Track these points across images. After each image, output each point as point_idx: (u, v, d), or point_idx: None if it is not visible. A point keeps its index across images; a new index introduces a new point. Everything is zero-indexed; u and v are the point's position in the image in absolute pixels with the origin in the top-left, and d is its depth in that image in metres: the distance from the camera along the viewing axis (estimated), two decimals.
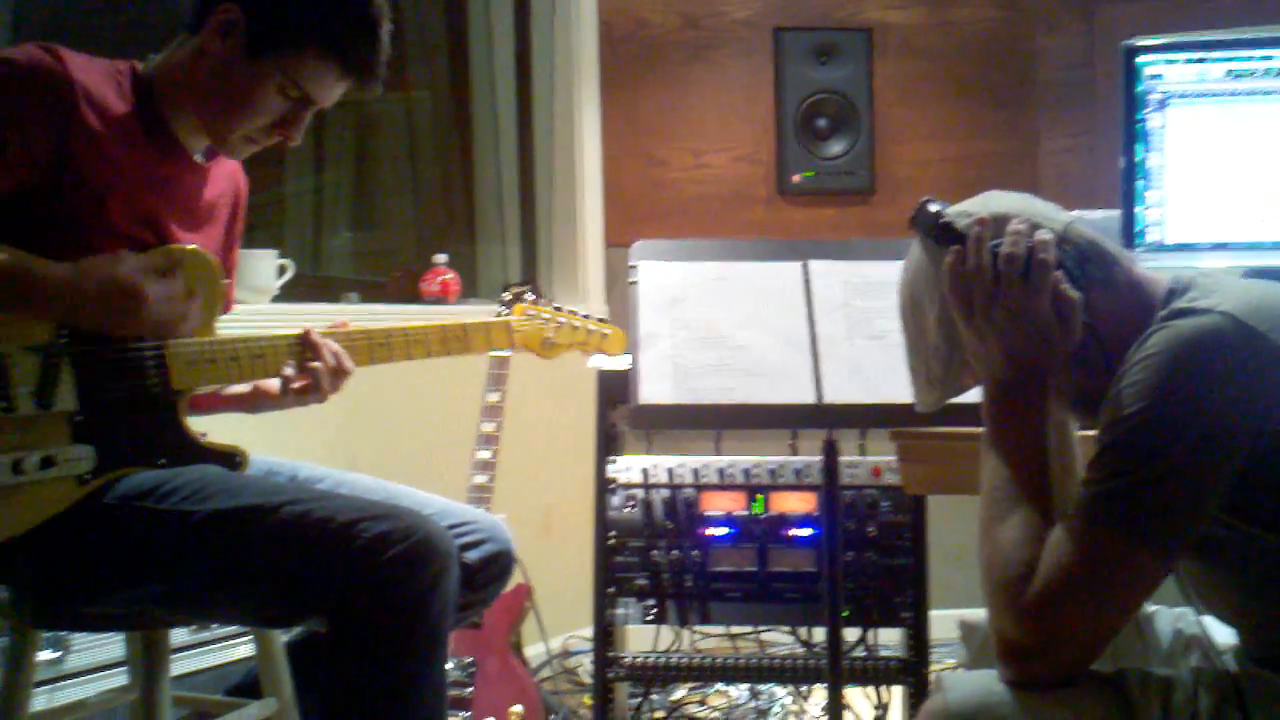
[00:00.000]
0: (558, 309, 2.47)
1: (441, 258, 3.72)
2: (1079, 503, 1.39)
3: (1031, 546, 1.39)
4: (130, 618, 1.93)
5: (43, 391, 1.79)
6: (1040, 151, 4.12)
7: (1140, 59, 2.29)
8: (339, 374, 2.06)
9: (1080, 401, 1.54)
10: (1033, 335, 1.46)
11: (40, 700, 2.17)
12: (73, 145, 1.82)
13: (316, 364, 2.03)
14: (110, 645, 2.34)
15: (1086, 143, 4.05)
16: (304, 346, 2.05)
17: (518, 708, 2.87)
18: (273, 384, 2.08)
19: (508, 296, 2.57)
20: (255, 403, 2.15)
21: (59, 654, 2.26)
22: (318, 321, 2.12)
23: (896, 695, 2.93)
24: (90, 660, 2.32)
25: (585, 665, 3.66)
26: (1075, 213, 1.58)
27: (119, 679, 2.32)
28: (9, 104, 1.77)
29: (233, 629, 2.51)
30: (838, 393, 2.04)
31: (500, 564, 2.13)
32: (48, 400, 1.79)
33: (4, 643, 1.98)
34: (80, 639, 2.30)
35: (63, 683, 2.27)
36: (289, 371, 2.03)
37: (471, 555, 2.07)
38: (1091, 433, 1.45)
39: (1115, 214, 2.36)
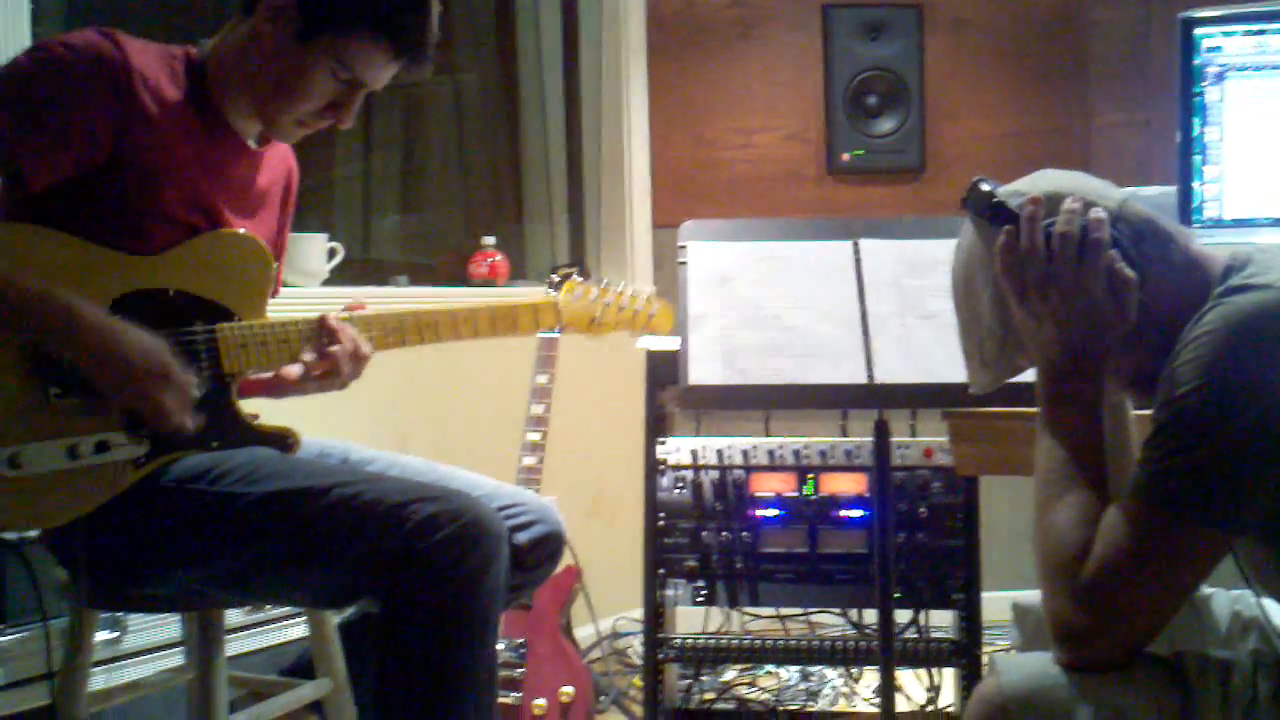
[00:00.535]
0: (605, 287, 2.46)
1: (490, 240, 3.72)
2: (1134, 482, 1.37)
3: (1087, 527, 1.38)
4: (185, 599, 1.96)
5: None
6: (1094, 127, 4.06)
7: (1198, 31, 2.25)
8: (358, 359, 2.04)
9: (1136, 381, 1.52)
10: (1087, 315, 1.44)
11: (99, 679, 2.20)
12: (129, 129, 1.83)
13: (336, 348, 2.01)
14: (167, 626, 2.37)
15: (1142, 118, 3.98)
16: (322, 332, 2.03)
17: (568, 688, 2.88)
18: (292, 370, 2.04)
19: (555, 278, 2.57)
20: (277, 388, 2.13)
21: (116, 634, 2.29)
22: (369, 304, 2.12)
23: (948, 677, 2.92)
24: (147, 640, 2.35)
25: (635, 646, 3.66)
26: (1130, 190, 1.56)
27: (175, 659, 2.35)
28: (69, 88, 1.79)
29: (287, 610, 2.54)
30: (889, 373, 2.03)
31: (550, 545, 2.14)
32: None
33: (63, 623, 2.01)
34: (137, 620, 2.33)
35: (120, 662, 2.30)
36: (309, 357, 2.01)
37: (522, 537, 2.07)
38: (1147, 412, 1.43)
39: (1171, 190, 2.33)
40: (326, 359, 2.02)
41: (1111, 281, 1.44)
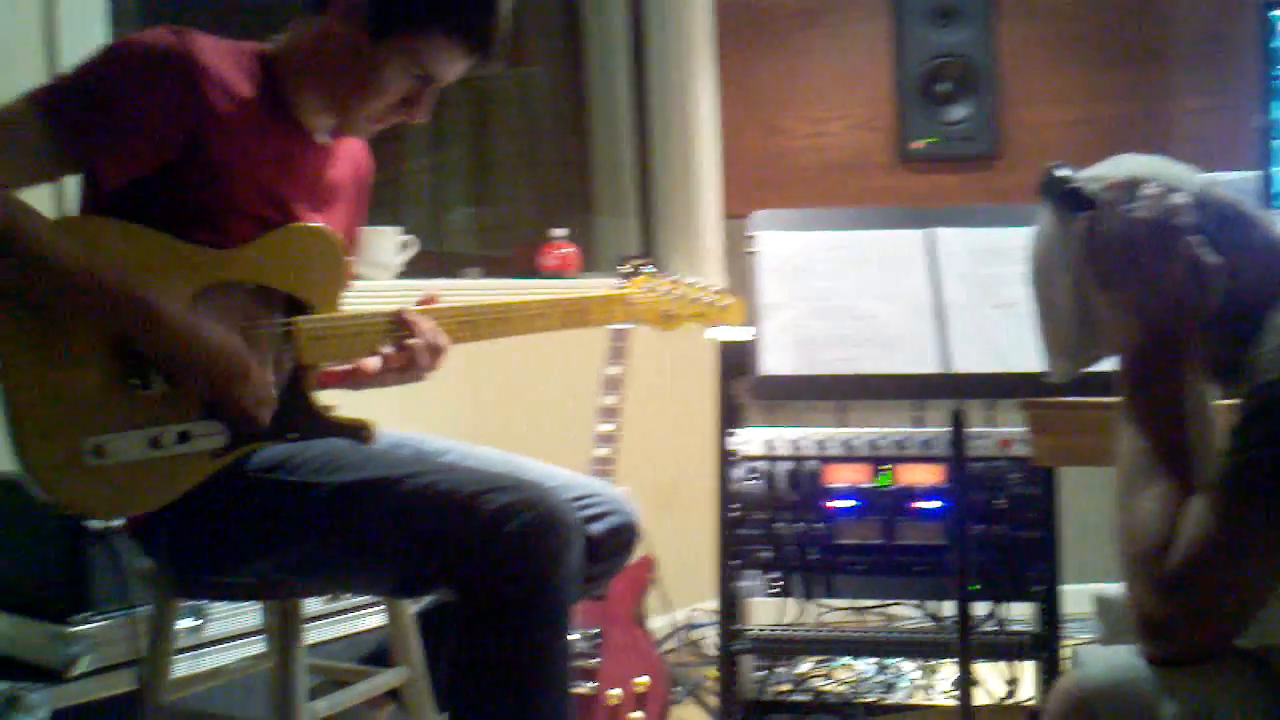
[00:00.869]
0: (676, 280, 2.46)
1: (560, 231, 3.73)
2: (1220, 473, 1.34)
3: (1171, 518, 1.35)
4: (265, 587, 1.98)
5: None
6: (1172, 112, 3.98)
7: (1276, 13, 2.21)
8: (435, 351, 2.05)
9: (1219, 369, 1.49)
10: (1169, 302, 1.41)
11: (182, 667, 2.23)
12: (201, 127, 1.85)
13: (414, 341, 2.02)
14: (247, 614, 2.40)
15: (1221, 102, 3.89)
16: (400, 325, 2.04)
17: (643, 678, 2.88)
18: (371, 362, 2.05)
19: (626, 269, 2.57)
20: (354, 381, 2.15)
21: (199, 622, 2.32)
22: (441, 296, 2.14)
23: (1027, 671, 2.88)
24: (228, 628, 2.38)
25: (709, 638, 3.66)
26: (1211, 175, 1.53)
27: (256, 647, 2.38)
28: (141, 88, 1.81)
29: (364, 599, 2.56)
30: (965, 362, 2.01)
31: (624, 536, 2.14)
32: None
33: (148, 611, 2.05)
34: (219, 608, 2.36)
35: (202, 650, 2.33)
36: (386, 350, 2.02)
37: (596, 527, 2.08)
38: (1231, 401, 1.40)
39: (1253, 175, 2.29)
40: (404, 352, 2.03)
41: (1193, 268, 1.41)
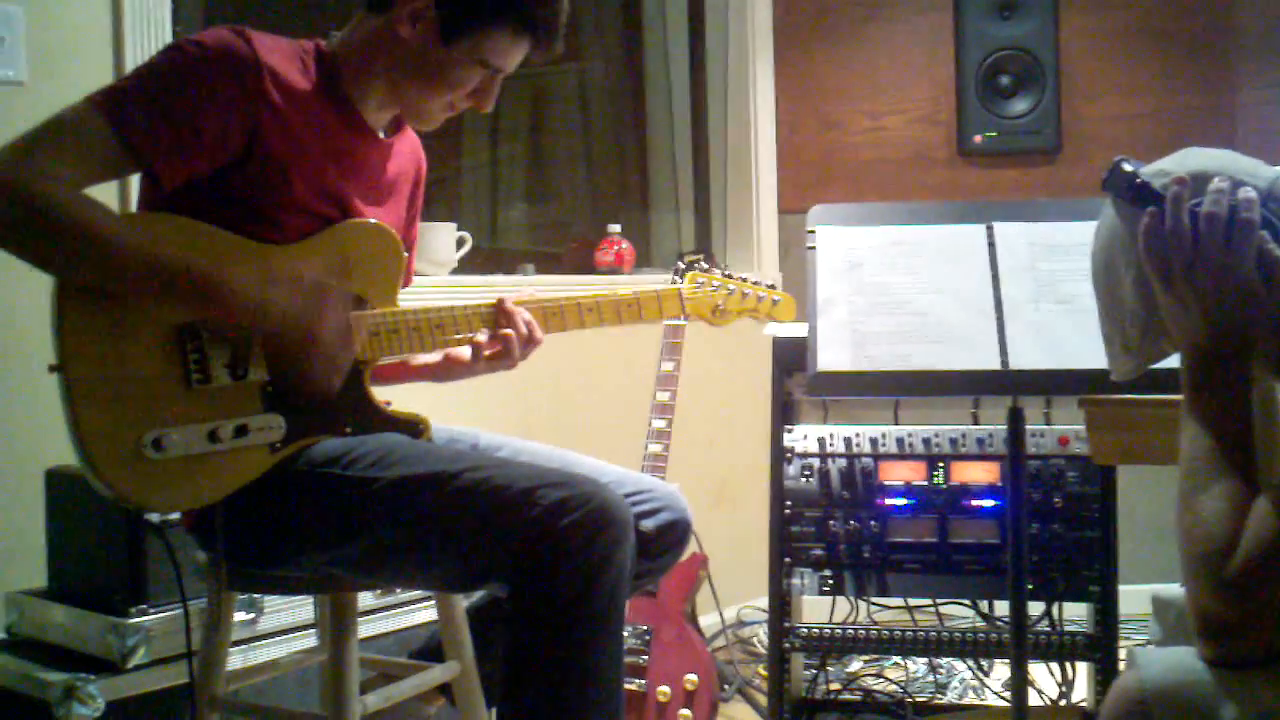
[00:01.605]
0: (728, 276, 2.45)
1: (615, 228, 3.73)
2: None
3: (1234, 518, 1.33)
4: (318, 581, 1.99)
5: (236, 363, 1.85)
6: (1239, 104, 3.91)
7: None
8: (530, 342, 2.12)
9: None
10: (1237, 299, 1.38)
11: (236, 659, 2.25)
12: (261, 125, 1.87)
13: (509, 331, 2.08)
14: (301, 608, 2.42)
15: None
16: (499, 314, 2.10)
17: (693, 676, 2.87)
18: (464, 352, 2.12)
19: (682, 265, 2.56)
20: (446, 371, 2.20)
21: (253, 616, 2.34)
22: (496, 293, 2.14)
23: (1082, 672, 2.85)
24: (282, 622, 2.40)
25: (760, 635, 3.65)
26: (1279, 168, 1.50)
27: (309, 640, 2.39)
28: (202, 88, 1.83)
29: (416, 593, 2.57)
30: (1023, 358, 1.98)
31: (676, 533, 2.13)
32: (241, 371, 1.86)
33: (203, 604, 2.07)
34: (273, 601, 2.38)
35: (256, 643, 2.35)
36: (482, 339, 2.08)
37: (648, 524, 2.07)
38: None
39: None
40: (498, 341, 2.08)
41: (1262, 263, 1.38)
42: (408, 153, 2.17)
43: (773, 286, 2.50)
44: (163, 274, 1.76)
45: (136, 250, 1.76)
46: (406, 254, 2.12)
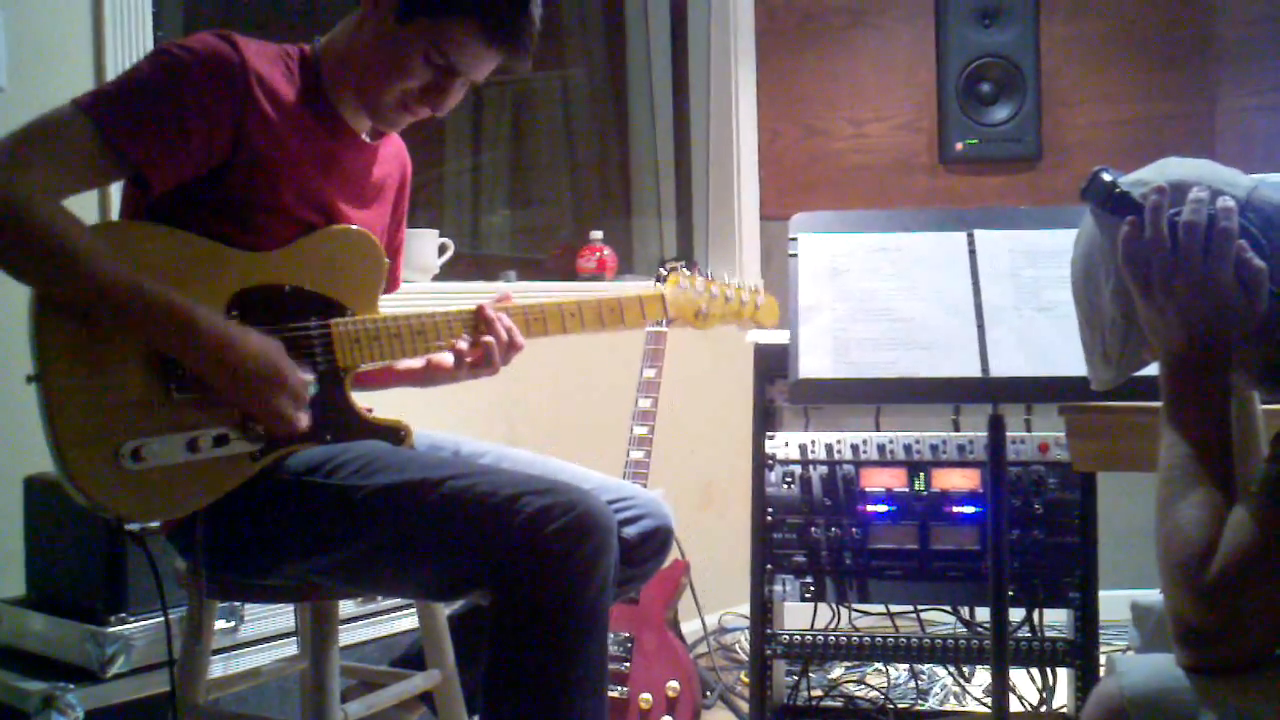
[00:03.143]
0: (711, 279, 2.46)
1: (597, 234, 3.73)
2: (1263, 480, 1.33)
3: (1212, 525, 1.34)
4: (300, 589, 1.98)
5: None
6: (1220, 112, 3.92)
7: None
8: (511, 348, 2.12)
9: (1265, 374, 1.47)
10: (1215, 308, 1.39)
11: (217, 667, 2.24)
12: (247, 130, 1.87)
13: (490, 338, 2.08)
14: (282, 616, 2.41)
15: (1271, 101, 3.84)
16: (478, 321, 2.10)
17: (674, 683, 2.87)
18: (446, 358, 2.12)
19: (664, 271, 2.57)
20: (429, 377, 2.20)
21: (234, 624, 2.33)
22: (478, 299, 2.14)
23: (1063, 678, 2.85)
24: (263, 630, 2.40)
25: (742, 642, 3.65)
26: (1259, 176, 1.51)
27: (290, 648, 2.39)
28: (188, 93, 1.82)
29: (398, 601, 2.57)
30: (1004, 365, 1.99)
31: (658, 540, 2.13)
32: None
33: (184, 613, 2.06)
34: (253, 609, 2.37)
35: (237, 651, 2.34)
36: (463, 345, 2.08)
37: (630, 531, 2.07)
38: (1277, 407, 1.38)
39: None
40: (479, 348, 2.08)
41: (1240, 272, 1.39)
42: (392, 156, 2.17)
43: (756, 290, 2.50)
44: (135, 304, 1.74)
45: (111, 275, 1.73)
46: (389, 260, 2.11)
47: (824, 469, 2.75)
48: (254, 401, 1.83)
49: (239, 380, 1.81)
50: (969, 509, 2.70)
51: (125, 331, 1.77)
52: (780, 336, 2.46)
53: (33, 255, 1.71)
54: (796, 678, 3.00)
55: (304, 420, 1.88)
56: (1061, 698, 2.88)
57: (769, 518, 2.75)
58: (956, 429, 2.78)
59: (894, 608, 2.94)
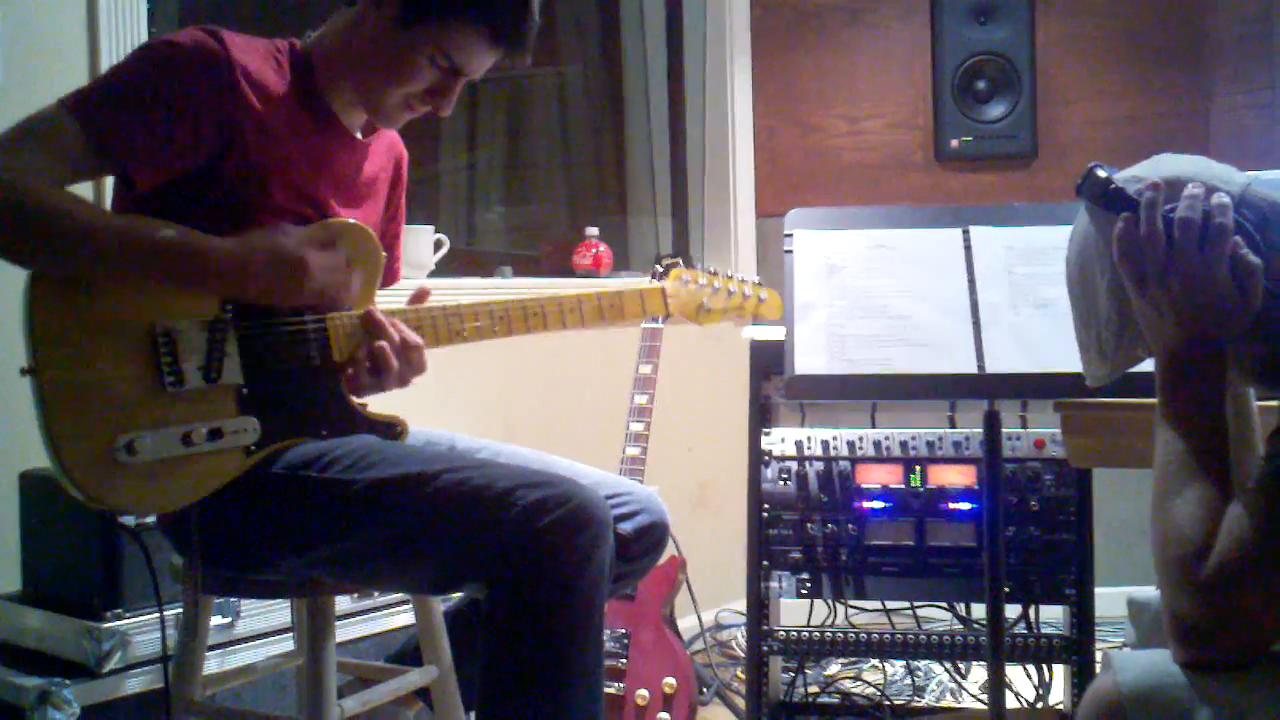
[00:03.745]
0: (713, 273, 2.44)
1: (593, 231, 3.73)
2: (1259, 477, 1.32)
3: (1208, 522, 1.34)
4: (295, 585, 1.98)
5: (210, 366, 1.84)
6: (1214, 109, 3.93)
7: None
8: (406, 348, 1.97)
9: (1260, 371, 1.47)
10: (1210, 304, 1.39)
11: (212, 663, 2.24)
12: (235, 126, 1.86)
13: (380, 343, 1.94)
14: (278, 612, 2.41)
15: (1265, 99, 3.84)
16: (367, 327, 1.96)
17: (671, 679, 2.88)
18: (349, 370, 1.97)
19: (660, 268, 2.56)
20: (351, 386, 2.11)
21: (229, 619, 2.33)
22: (473, 296, 2.13)
23: (1059, 674, 2.86)
24: (259, 626, 2.39)
25: (738, 638, 3.65)
26: (1253, 173, 1.51)
27: (286, 644, 2.39)
28: (175, 87, 1.82)
29: (394, 597, 2.57)
30: (1000, 362, 1.99)
31: (654, 536, 2.13)
32: (215, 374, 1.85)
33: (179, 608, 2.06)
34: (249, 605, 2.37)
35: (233, 647, 2.34)
36: (360, 355, 1.95)
37: (626, 526, 2.07)
38: (1273, 403, 1.38)
39: None
40: (372, 354, 1.95)
41: (1235, 269, 1.39)
42: (385, 151, 2.16)
43: (759, 284, 2.49)
44: (140, 250, 1.77)
45: (110, 229, 1.77)
46: (386, 251, 2.11)
47: (820, 465, 2.76)
48: (293, 296, 1.86)
49: (267, 279, 1.83)
50: (965, 505, 2.70)
51: (140, 278, 1.78)
52: (776, 333, 2.46)
53: (30, 227, 1.72)
54: (793, 674, 3.00)
55: (346, 297, 1.91)
56: (1058, 694, 2.88)
57: (765, 514, 2.75)
58: (952, 425, 2.78)
59: (890, 604, 2.94)
